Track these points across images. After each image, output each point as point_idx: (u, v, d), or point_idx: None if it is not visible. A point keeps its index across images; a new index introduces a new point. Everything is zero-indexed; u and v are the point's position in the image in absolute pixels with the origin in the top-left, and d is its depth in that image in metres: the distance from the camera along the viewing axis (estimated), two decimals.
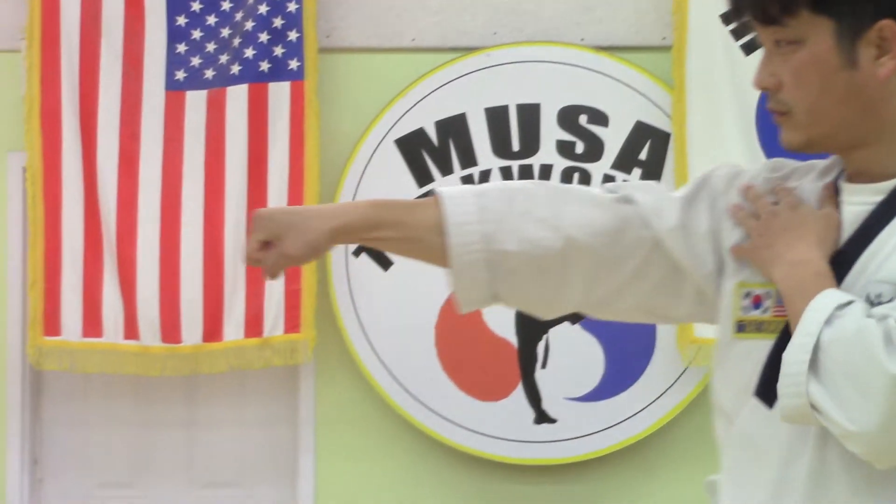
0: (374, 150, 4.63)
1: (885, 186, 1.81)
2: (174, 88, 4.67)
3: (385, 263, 4.60)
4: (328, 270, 4.62)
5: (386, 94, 4.70)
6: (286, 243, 1.83)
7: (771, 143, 4.55)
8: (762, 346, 1.81)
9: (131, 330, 4.63)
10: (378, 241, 1.91)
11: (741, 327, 1.85)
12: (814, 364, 1.69)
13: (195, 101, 4.67)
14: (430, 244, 1.91)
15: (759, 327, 1.83)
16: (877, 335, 1.64)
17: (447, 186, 1.93)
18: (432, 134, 4.61)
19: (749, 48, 4.54)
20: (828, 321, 1.70)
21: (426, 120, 4.62)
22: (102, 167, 4.63)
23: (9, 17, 4.74)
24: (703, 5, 4.58)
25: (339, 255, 4.61)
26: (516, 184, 1.93)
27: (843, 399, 1.65)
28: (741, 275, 1.86)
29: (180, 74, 4.65)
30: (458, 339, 4.52)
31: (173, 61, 4.66)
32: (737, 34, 4.57)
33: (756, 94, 4.40)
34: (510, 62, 4.54)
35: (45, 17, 4.64)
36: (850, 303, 1.72)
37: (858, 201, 1.82)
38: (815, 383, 1.66)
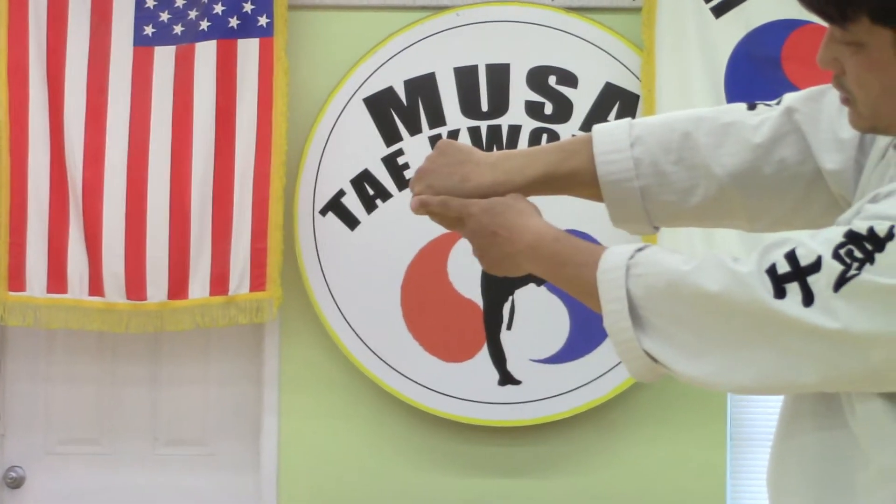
0: (343, 109, 4.59)
1: None
2: (142, 44, 4.60)
3: (352, 222, 4.56)
4: (294, 229, 4.59)
5: (355, 52, 4.65)
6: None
7: None
8: None
9: (96, 286, 4.58)
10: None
11: None
12: (637, 321, 1.72)
13: (163, 57, 4.61)
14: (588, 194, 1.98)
15: None
16: (694, 279, 1.67)
17: (604, 128, 1.96)
18: (401, 93, 4.56)
19: (719, 10, 4.53)
20: (627, 276, 1.72)
21: (395, 79, 4.57)
22: (69, 122, 4.57)
23: None
24: None
25: (306, 213, 4.57)
26: (675, 122, 1.93)
27: (681, 345, 1.68)
28: None
29: (149, 30, 4.60)
30: (423, 300, 4.47)
31: (142, 16, 4.59)
32: None
33: (725, 56, 4.57)
34: (480, 22, 4.48)
35: None
36: (637, 251, 1.74)
37: None
38: (645, 337, 1.70)
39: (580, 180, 1.93)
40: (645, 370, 1.73)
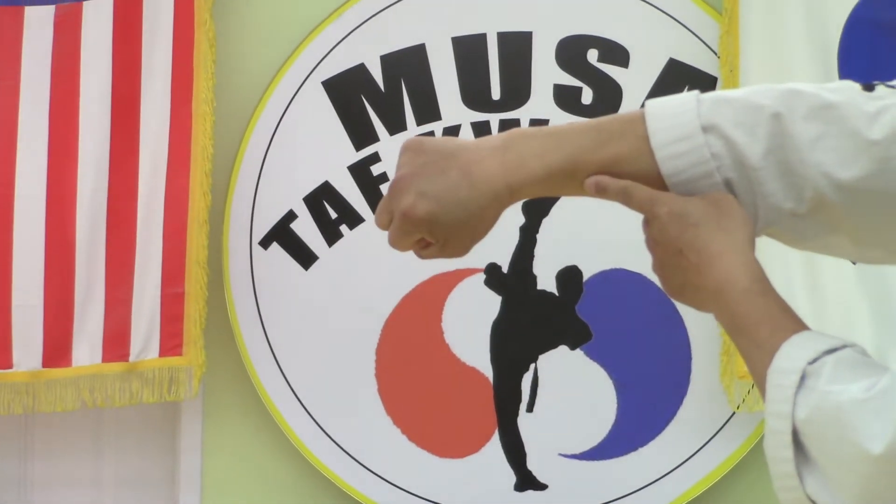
0: (293, 96, 4.17)
1: None
2: (8, 3, 4.23)
3: (306, 258, 4.16)
4: (224, 268, 4.16)
5: (311, 15, 4.21)
6: (449, 249, 1.72)
7: None
8: None
9: None
10: None
11: None
12: (799, 450, 1.59)
13: (38, 19, 4.19)
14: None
15: None
16: (862, 413, 1.51)
17: (660, 104, 1.69)
18: (377, 74, 4.14)
19: None
20: (800, 386, 1.59)
21: (368, 54, 4.15)
22: None
23: None
24: None
25: (240, 244, 4.17)
26: (760, 97, 1.63)
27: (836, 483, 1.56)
28: None
29: None
30: (408, 369, 4.11)
31: None
32: None
33: (839, 24, 4.28)
34: None
35: None
36: (827, 353, 1.59)
37: None
38: (810, 478, 1.56)
39: (622, 171, 1.68)
40: None
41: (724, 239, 1.66)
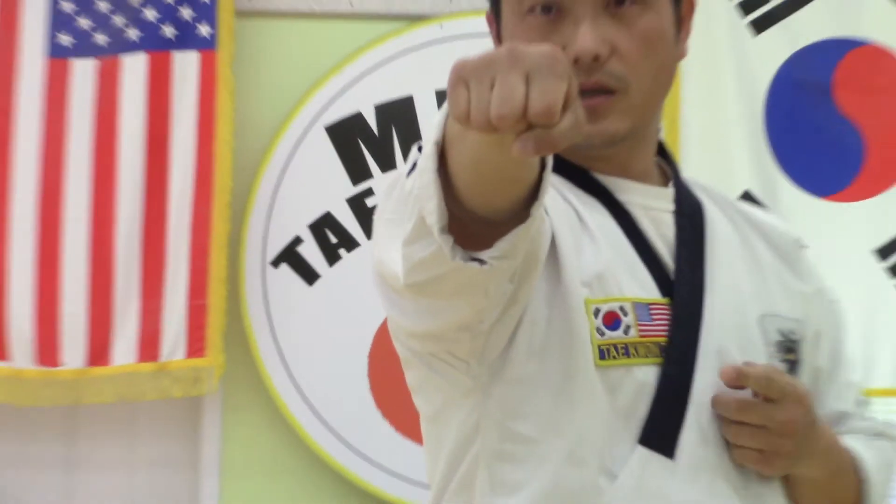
0: (300, 139, 4.40)
1: (668, 193, 1.90)
2: (57, 55, 4.44)
3: (310, 276, 4.39)
4: (241, 283, 4.39)
5: (316, 70, 4.48)
6: None
7: (782, 141, 4.58)
8: (636, 377, 1.78)
9: (0, 350, 4.42)
10: None
11: (602, 354, 1.81)
12: None
13: (83, 72, 4.41)
14: None
15: (625, 352, 1.81)
16: None
17: None
18: (371, 120, 4.38)
19: (760, 25, 4.52)
20: None
21: (364, 103, 4.41)
22: None
23: None
24: None
25: (255, 264, 4.40)
26: None
27: None
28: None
29: (65, 38, 4.42)
30: (396, 370, 4.18)
31: (58, 22, 4.43)
32: (745, 8, 4.50)
33: (766, 80, 4.57)
34: (469, 35, 4.26)
35: None
36: None
37: (658, 208, 1.87)
38: None
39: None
40: None
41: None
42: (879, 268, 4.57)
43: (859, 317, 4.42)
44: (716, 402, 1.78)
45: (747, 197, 4.55)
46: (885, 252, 4.59)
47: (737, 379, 1.75)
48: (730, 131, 4.46)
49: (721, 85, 4.44)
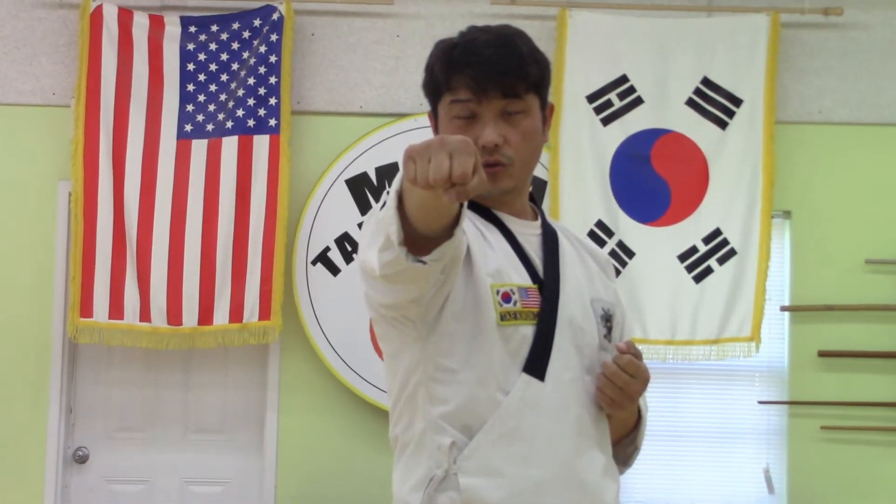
0: (329, 188, 5.06)
1: (537, 224, 2.04)
2: (183, 137, 5.07)
3: (335, 271, 5.03)
4: (293, 274, 5.03)
5: (340, 146, 5.07)
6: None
7: (621, 189, 5.01)
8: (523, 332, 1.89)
9: (145, 314, 4.97)
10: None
11: (503, 317, 1.90)
12: None
13: (198, 148, 5.06)
14: None
15: (515, 316, 1.90)
16: None
17: None
18: (373, 176, 5.02)
19: (606, 120, 4.99)
20: None
21: (369, 166, 5.04)
22: (128, 194, 5.01)
23: (63, 81, 5.21)
24: (574, 86, 5.03)
25: (301, 263, 5.03)
26: None
27: None
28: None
29: (188, 127, 5.08)
30: None
31: (184, 116, 5.07)
32: (597, 110, 4.99)
33: (610, 155, 4.98)
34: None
35: (90, 81, 5.07)
36: None
37: (530, 233, 2.03)
38: None
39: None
40: None
41: None
42: (681, 267, 4.99)
43: (668, 295, 4.90)
44: (604, 367, 1.92)
45: (600, 224, 4.95)
46: (683, 257, 5.00)
47: (626, 350, 1.93)
48: (588, 184, 4.93)
49: (583, 156, 4.92)
